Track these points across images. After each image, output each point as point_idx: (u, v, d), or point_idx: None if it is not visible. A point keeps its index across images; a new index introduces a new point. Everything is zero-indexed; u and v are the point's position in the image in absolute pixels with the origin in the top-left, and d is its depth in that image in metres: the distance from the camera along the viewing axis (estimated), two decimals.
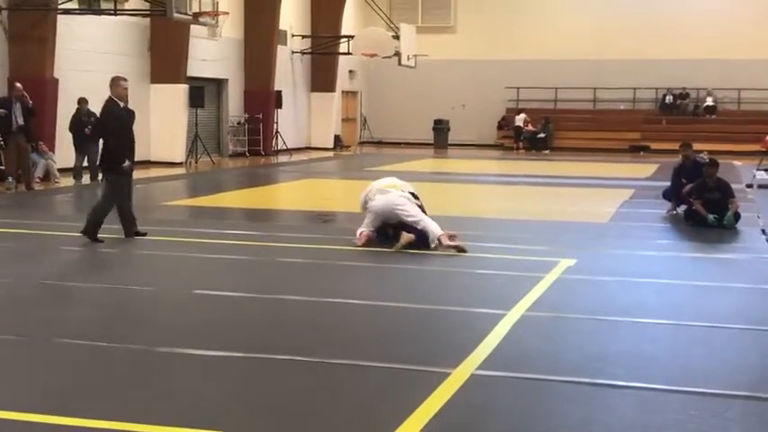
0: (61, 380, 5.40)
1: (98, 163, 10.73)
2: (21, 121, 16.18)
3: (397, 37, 28.47)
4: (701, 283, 8.59)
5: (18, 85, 16.41)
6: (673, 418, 4.84)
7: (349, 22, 33.02)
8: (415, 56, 29.77)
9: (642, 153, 31.11)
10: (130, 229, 10.61)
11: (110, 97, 10.61)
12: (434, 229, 10.07)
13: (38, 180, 17.35)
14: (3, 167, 16.88)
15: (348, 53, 30.05)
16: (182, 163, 23.49)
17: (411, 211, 10.28)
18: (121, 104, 10.61)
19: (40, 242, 10.74)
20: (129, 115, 10.84)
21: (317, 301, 7.54)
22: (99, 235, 10.35)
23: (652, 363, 5.87)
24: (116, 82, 10.58)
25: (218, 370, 5.66)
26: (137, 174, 19.24)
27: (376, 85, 36.24)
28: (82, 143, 18.11)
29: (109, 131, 10.64)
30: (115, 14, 20.93)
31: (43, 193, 16.38)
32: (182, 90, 23.61)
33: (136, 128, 19.25)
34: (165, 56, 23.18)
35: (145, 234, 10.65)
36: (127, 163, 10.60)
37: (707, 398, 5.18)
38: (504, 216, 13.12)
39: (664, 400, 5.14)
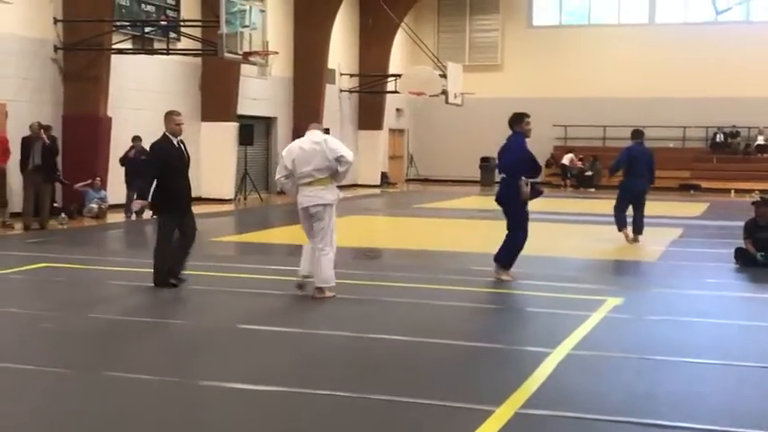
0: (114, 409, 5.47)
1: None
2: (38, 161, 15.95)
3: (444, 75, 28.61)
4: (751, 322, 8.46)
5: (34, 124, 16.20)
6: None
7: (396, 60, 33.29)
8: (462, 94, 29.88)
9: (692, 192, 30.77)
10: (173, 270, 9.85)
11: (163, 133, 10.09)
12: None
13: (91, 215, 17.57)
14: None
15: (395, 92, 30.25)
16: (231, 200, 23.77)
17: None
18: (175, 141, 10.04)
19: (90, 277, 10.92)
20: (177, 152, 10.08)
21: (359, 336, 7.54)
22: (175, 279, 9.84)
23: (700, 403, 5.78)
24: (169, 117, 10.11)
25: (255, 404, 5.69)
26: None
27: (423, 123, 36.37)
28: (133, 179, 18.37)
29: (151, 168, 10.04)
30: (167, 54, 21.38)
31: (96, 229, 16.64)
32: (232, 128, 23.94)
33: None
34: (216, 94, 23.58)
35: (176, 285, 9.79)
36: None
37: None
38: (550, 254, 13.04)
39: None
